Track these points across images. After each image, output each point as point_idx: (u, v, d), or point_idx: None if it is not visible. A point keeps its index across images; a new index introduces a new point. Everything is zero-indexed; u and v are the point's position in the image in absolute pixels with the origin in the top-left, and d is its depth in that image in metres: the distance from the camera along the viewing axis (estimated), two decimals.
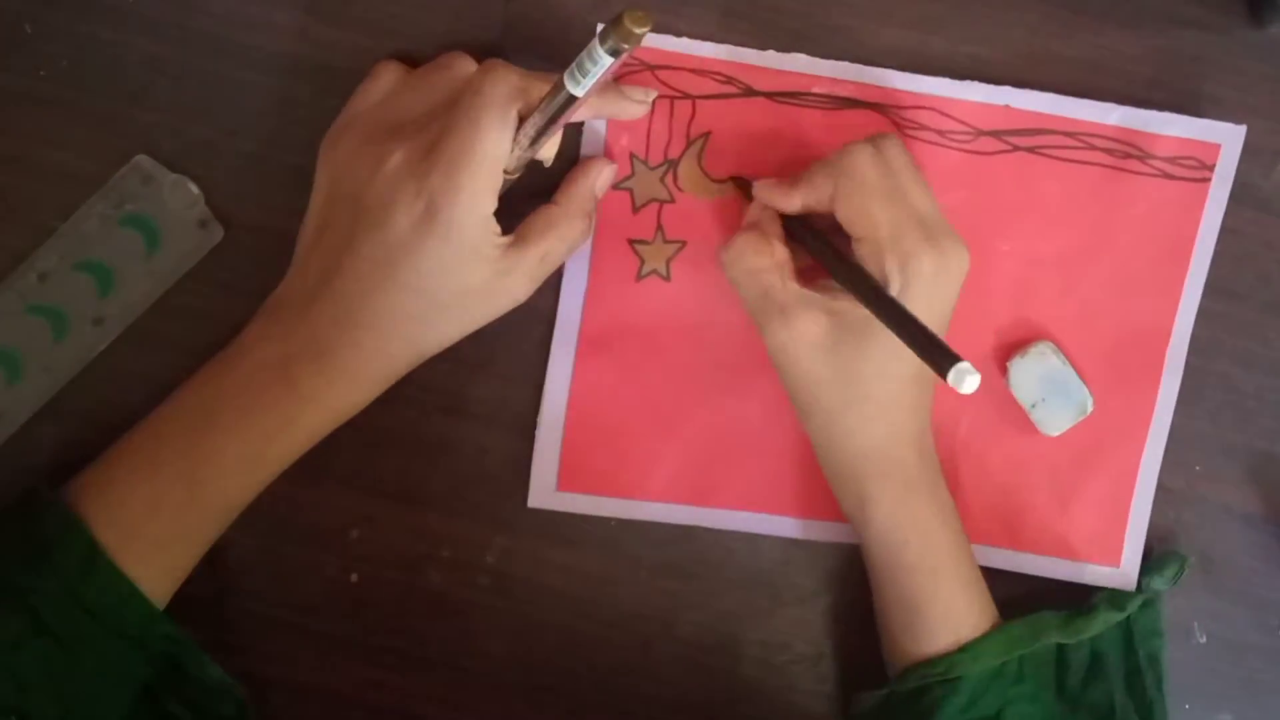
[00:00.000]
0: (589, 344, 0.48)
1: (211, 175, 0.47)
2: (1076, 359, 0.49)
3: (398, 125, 0.42)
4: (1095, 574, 0.50)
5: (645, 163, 0.47)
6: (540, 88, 0.41)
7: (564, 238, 0.44)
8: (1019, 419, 0.49)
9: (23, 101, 0.46)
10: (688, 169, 0.48)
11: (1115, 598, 0.48)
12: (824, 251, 0.43)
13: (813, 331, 0.42)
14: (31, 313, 0.46)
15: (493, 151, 0.41)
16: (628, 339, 0.48)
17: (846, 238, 0.43)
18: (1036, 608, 0.47)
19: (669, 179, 0.48)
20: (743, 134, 0.47)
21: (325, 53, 0.47)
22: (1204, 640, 0.51)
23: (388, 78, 0.45)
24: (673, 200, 0.48)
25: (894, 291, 0.41)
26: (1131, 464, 0.50)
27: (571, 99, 0.39)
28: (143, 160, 0.46)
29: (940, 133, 0.48)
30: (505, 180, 0.42)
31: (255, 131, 0.47)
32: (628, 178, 0.47)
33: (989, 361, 0.49)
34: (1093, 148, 0.48)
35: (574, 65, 0.38)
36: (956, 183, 0.48)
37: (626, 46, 0.36)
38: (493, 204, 0.42)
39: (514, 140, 0.41)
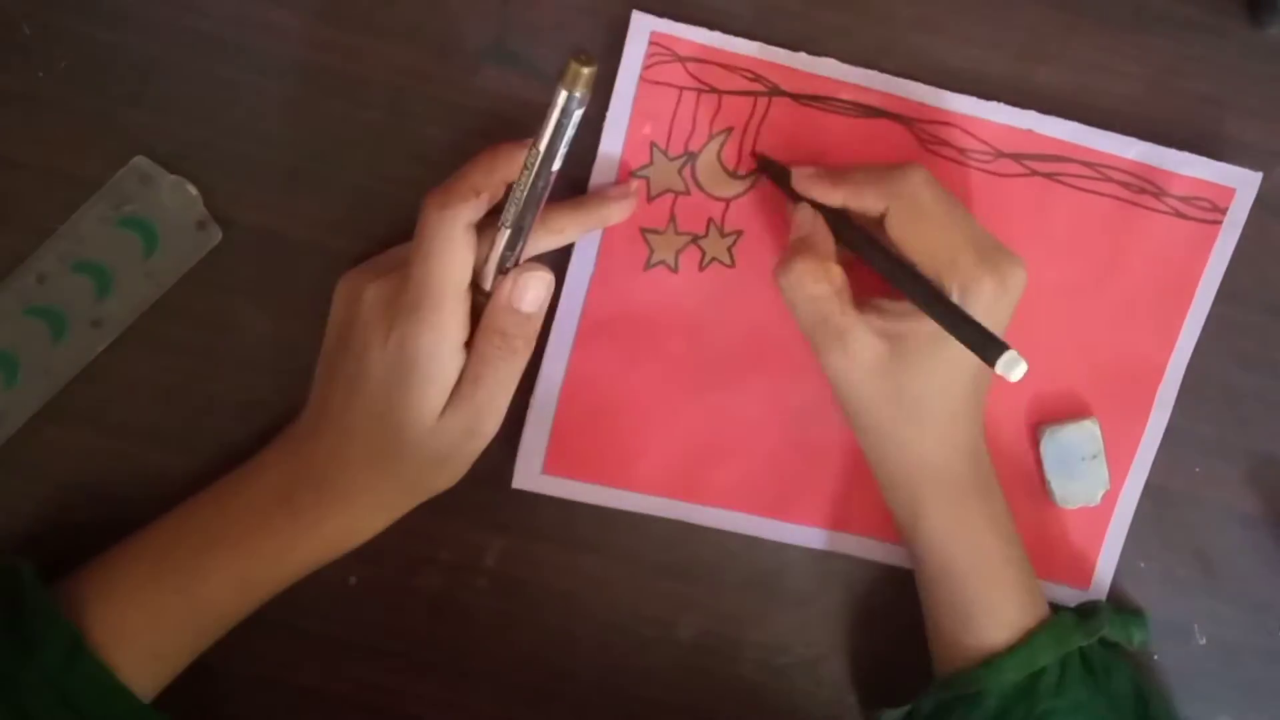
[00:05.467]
0: (590, 329, 0.48)
1: (210, 176, 0.47)
2: (1072, 386, 0.49)
3: (389, 264, 0.44)
4: (1063, 596, 0.50)
5: (665, 153, 0.47)
6: (501, 176, 0.41)
7: (498, 381, 0.43)
8: (1010, 440, 0.49)
9: (21, 102, 0.46)
10: (707, 163, 0.47)
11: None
12: (878, 258, 0.42)
13: (871, 356, 0.43)
14: (30, 314, 0.46)
15: (449, 279, 0.41)
16: (629, 327, 0.48)
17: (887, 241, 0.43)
18: None
19: (687, 171, 0.47)
20: (765, 133, 0.47)
21: (325, 53, 0.47)
22: (1203, 642, 0.51)
23: None
24: (688, 193, 0.48)
25: None
26: (1113, 492, 0.50)
27: (545, 173, 0.40)
28: (141, 161, 0.46)
29: (961, 150, 0.48)
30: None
31: (254, 133, 0.47)
32: (646, 166, 0.47)
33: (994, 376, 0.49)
34: (1109, 180, 0.48)
35: (542, 130, 0.38)
36: (972, 201, 0.48)
37: (578, 93, 0.37)
38: (462, 333, 0.42)
39: (486, 247, 0.41)
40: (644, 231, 0.48)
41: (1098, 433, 0.49)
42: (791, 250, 0.44)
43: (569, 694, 0.50)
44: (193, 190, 0.47)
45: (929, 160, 0.48)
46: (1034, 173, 0.48)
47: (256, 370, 0.47)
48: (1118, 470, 0.50)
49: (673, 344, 0.48)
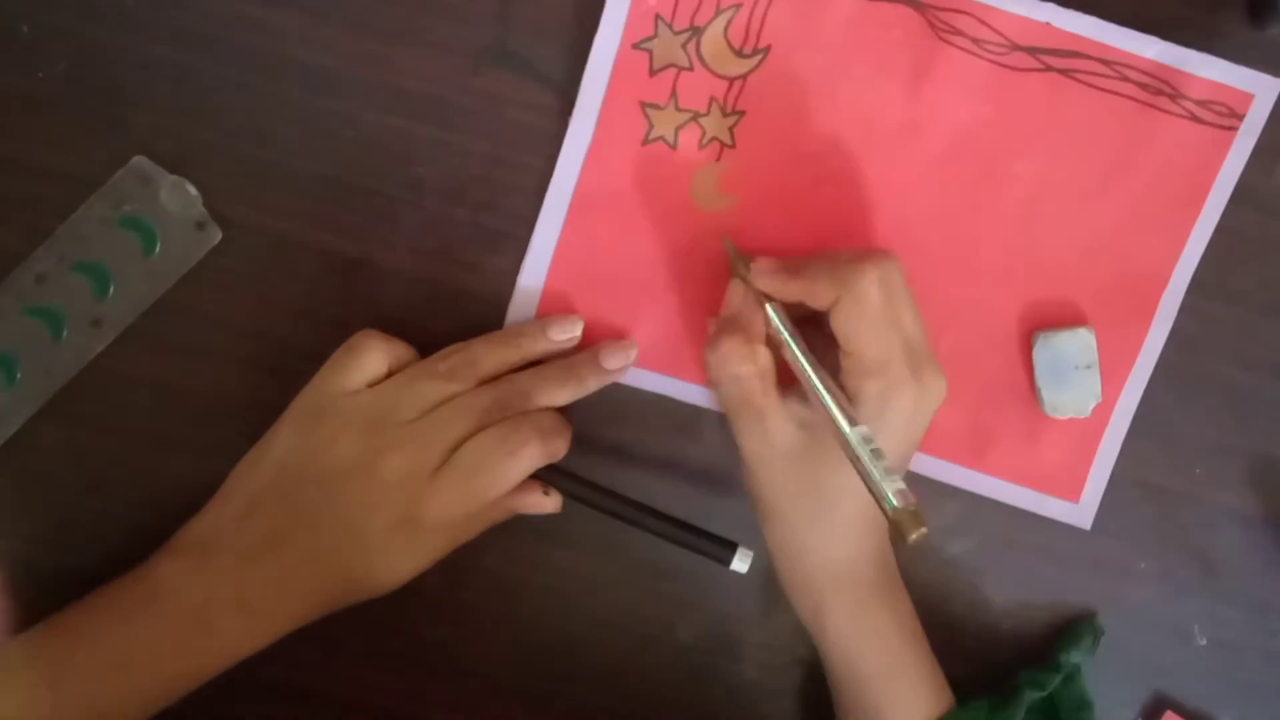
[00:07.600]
0: (584, 199, 0.47)
1: (209, 176, 0.47)
2: (1070, 293, 0.48)
3: (382, 424, 0.44)
4: (1054, 507, 0.50)
5: (670, 26, 0.46)
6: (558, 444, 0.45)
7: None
8: (1003, 345, 0.48)
9: (20, 103, 0.46)
10: (713, 39, 0.46)
11: (1036, 678, 0.47)
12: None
13: (787, 442, 0.43)
14: (29, 314, 0.46)
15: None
16: (624, 200, 0.47)
17: (832, 339, 0.42)
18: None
19: (691, 46, 0.46)
20: (774, 12, 0.46)
21: (324, 54, 0.47)
22: (1203, 643, 0.51)
23: (371, 365, 0.45)
24: (691, 68, 0.47)
25: (866, 413, 0.41)
26: (1107, 404, 0.49)
27: None
28: (141, 162, 0.46)
29: (975, 40, 0.46)
30: None
31: (253, 133, 0.47)
32: (650, 38, 0.46)
33: (992, 279, 0.48)
34: (1126, 79, 0.47)
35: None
36: (983, 96, 0.47)
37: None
38: None
39: None
40: (644, 105, 0.47)
41: (1093, 342, 0.48)
42: (720, 327, 0.43)
43: (568, 694, 0.50)
44: (192, 190, 0.47)
45: (942, 50, 0.46)
46: (1049, 68, 0.47)
47: (256, 370, 0.47)
48: (1113, 383, 0.49)
49: (666, 220, 0.48)
